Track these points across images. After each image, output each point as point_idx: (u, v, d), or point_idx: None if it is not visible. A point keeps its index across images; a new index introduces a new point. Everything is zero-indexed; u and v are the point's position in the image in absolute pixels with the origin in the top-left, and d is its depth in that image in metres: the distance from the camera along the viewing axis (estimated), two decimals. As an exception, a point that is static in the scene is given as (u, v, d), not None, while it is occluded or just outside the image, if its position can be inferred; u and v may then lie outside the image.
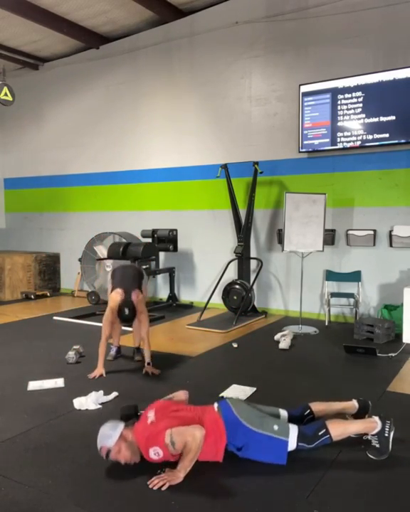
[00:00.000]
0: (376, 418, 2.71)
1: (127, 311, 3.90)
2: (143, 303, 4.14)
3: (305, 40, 6.09)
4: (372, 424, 2.68)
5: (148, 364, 4.11)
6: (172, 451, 2.43)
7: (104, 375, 3.98)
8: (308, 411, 2.84)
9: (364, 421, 2.76)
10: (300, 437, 2.56)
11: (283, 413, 2.80)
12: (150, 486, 2.33)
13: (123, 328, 4.56)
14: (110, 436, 2.46)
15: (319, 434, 2.57)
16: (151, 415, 2.60)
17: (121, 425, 2.53)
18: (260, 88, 6.48)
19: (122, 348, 4.60)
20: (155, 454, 2.44)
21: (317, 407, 2.88)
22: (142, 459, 2.50)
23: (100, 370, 4.00)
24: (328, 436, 2.57)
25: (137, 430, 2.55)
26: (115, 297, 4.03)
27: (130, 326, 4.36)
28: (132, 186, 7.66)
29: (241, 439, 2.54)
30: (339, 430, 2.62)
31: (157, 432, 2.46)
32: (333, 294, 5.93)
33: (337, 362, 4.41)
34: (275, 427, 2.56)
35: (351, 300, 5.97)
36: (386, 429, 2.65)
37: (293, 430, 2.57)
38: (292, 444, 2.54)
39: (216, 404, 2.72)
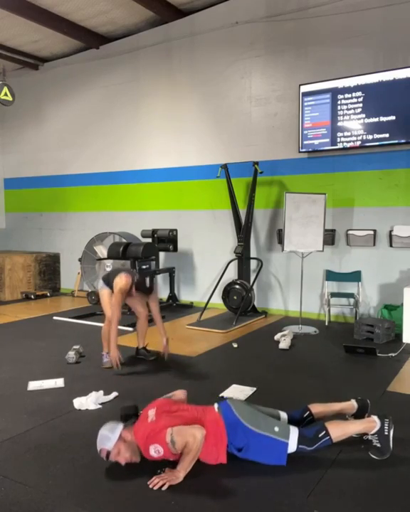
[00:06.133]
0: (374, 417, 2.71)
1: (148, 281, 4.03)
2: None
3: (304, 40, 6.09)
4: (371, 424, 2.68)
5: (166, 341, 4.31)
6: (173, 450, 2.43)
7: (121, 359, 3.97)
8: (308, 413, 2.84)
9: (363, 421, 2.76)
10: (301, 439, 2.55)
11: (283, 415, 2.80)
12: (150, 486, 2.33)
13: (123, 328, 4.55)
14: (109, 438, 2.46)
15: (320, 436, 2.57)
16: (151, 414, 2.60)
17: (120, 426, 2.53)
18: (260, 88, 6.48)
19: (123, 349, 4.59)
20: (155, 451, 2.45)
21: (317, 408, 2.88)
22: (143, 459, 2.50)
23: (115, 352, 3.94)
24: (328, 438, 2.57)
25: (137, 429, 2.55)
26: (125, 278, 4.04)
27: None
28: (132, 186, 7.66)
29: (242, 439, 2.53)
30: (339, 431, 2.62)
31: (158, 429, 2.46)
32: (333, 294, 5.92)
33: (337, 362, 4.41)
34: (276, 429, 2.56)
35: (352, 300, 5.97)
36: (386, 427, 2.65)
37: (294, 432, 2.56)
38: (292, 446, 2.54)
39: (216, 405, 2.71)
